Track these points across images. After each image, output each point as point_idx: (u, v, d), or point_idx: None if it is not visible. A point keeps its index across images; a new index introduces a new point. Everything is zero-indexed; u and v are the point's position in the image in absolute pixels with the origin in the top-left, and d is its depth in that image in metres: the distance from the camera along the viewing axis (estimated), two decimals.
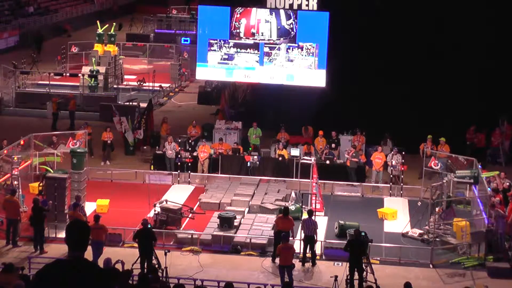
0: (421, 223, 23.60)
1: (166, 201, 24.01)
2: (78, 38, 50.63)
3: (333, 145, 29.30)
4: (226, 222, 22.99)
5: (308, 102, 30.55)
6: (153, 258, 19.68)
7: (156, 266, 19.06)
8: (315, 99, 30.56)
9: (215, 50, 30.55)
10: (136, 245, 20.52)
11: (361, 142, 29.66)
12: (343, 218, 23.82)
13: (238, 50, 30.43)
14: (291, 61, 30.20)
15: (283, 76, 30.41)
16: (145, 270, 19.17)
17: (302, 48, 30.01)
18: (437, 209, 24.03)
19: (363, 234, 20.67)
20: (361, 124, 29.86)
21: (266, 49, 30.27)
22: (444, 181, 24.61)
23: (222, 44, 30.45)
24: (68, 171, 24.58)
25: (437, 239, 22.45)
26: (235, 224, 23.23)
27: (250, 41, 30.31)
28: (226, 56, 30.54)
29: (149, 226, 20.61)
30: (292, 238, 21.13)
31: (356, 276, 19.46)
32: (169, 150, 28.38)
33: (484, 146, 30.66)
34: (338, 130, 29.96)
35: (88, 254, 18.91)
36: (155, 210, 23.33)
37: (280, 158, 28.24)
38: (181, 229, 23.27)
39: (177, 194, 25.90)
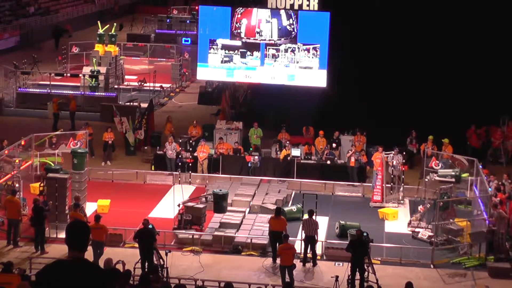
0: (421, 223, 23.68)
1: (189, 200, 24.07)
2: (79, 38, 50.63)
3: (333, 145, 29.30)
4: (220, 199, 23.22)
5: (309, 102, 30.54)
6: (158, 258, 19.64)
7: (163, 264, 19.06)
8: (316, 99, 30.55)
9: (216, 53, 30.53)
10: (137, 245, 20.52)
11: (362, 142, 29.66)
12: (344, 218, 23.83)
13: (239, 53, 30.41)
14: (292, 61, 30.19)
15: (284, 76, 30.41)
16: (146, 270, 19.15)
17: (303, 49, 30.00)
18: (419, 207, 24.17)
19: (365, 234, 20.69)
20: (362, 124, 29.85)
21: (267, 50, 30.26)
22: (426, 180, 24.77)
23: (223, 48, 30.47)
24: (69, 171, 24.59)
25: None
26: (228, 203, 23.78)
27: (251, 41, 30.30)
28: (227, 58, 30.54)
29: (150, 226, 20.60)
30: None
31: (357, 276, 19.46)
32: (169, 151, 28.39)
33: (479, 147, 30.52)
34: (339, 131, 29.95)
35: (89, 254, 18.93)
36: (179, 210, 23.24)
37: (289, 158, 28.19)
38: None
39: (177, 195, 25.86)
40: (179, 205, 23.30)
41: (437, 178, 25.12)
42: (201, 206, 23.65)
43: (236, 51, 30.38)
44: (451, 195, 24.08)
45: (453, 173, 25.18)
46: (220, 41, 30.41)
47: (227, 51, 30.45)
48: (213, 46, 30.50)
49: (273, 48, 30.22)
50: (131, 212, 24.62)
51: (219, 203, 23.37)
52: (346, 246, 20.66)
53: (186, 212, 23.18)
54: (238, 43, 30.33)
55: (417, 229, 23.57)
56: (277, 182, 27.57)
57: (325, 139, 29.69)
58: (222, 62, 30.52)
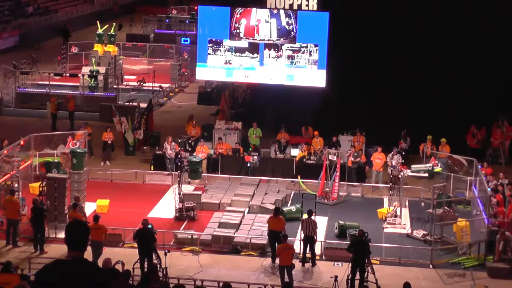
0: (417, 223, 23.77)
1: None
2: (78, 38, 50.61)
3: (333, 148, 29.23)
4: (196, 165, 24.93)
5: (308, 103, 30.54)
6: (155, 258, 19.67)
7: (159, 263, 19.08)
8: (315, 99, 30.55)
9: (222, 55, 30.48)
10: (136, 245, 20.52)
11: (361, 143, 29.65)
12: (343, 218, 23.83)
13: (238, 54, 30.40)
14: (291, 61, 30.20)
15: (283, 76, 30.41)
16: (145, 270, 19.14)
17: (302, 49, 30.00)
18: (395, 203, 24.27)
19: (366, 234, 20.67)
20: (361, 124, 29.86)
21: (266, 50, 30.26)
22: (400, 176, 25.20)
23: (223, 48, 30.45)
24: (68, 171, 24.58)
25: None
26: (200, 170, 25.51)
27: (250, 41, 30.30)
28: (227, 59, 30.53)
29: (149, 226, 20.60)
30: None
31: (357, 276, 19.45)
32: (168, 150, 28.37)
33: (475, 146, 30.53)
34: (338, 131, 29.94)
35: (88, 254, 18.92)
36: (179, 199, 24.13)
37: (305, 160, 28.18)
38: (181, 229, 23.32)
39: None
40: (179, 194, 24.10)
41: (410, 174, 25.39)
42: (199, 192, 25.28)
43: (243, 52, 30.35)
44: (446, 194, 24.20)
45: (426, 168, 25.47)
46: (227, 43, 30.37)
47: (233, 53, 30.43)
48: (219, 48, 30.48)
49: (272, 48, 30.23)
50: (130, 212, 24.62)
51: (195, 169, 24.95)
52: (346, 246, 20.68)
53: (186, 200, 24.18)
54: (244, 44, 30.30)
55: (390, 226, 23.85)
56: (292, 184, 27.51)
57: (322, 139, 29.67)
58: (226, 63, 30.51)
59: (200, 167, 25.42)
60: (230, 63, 30.62)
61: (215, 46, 30.57)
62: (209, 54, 30.67)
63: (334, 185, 26.14)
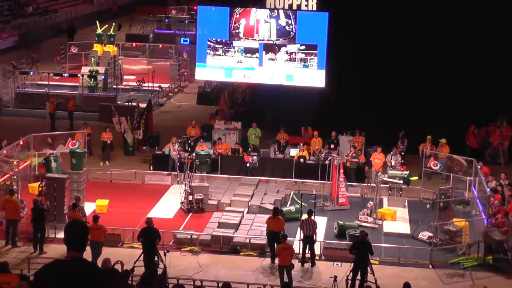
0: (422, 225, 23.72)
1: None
2: (78, 38, 50.62)
3: (332, 146, 29.27)
4: (204, 157, 26.44)
5: (308, 103, 30.54)
6: (156, 257, 19.63)
7: (160, 263, 19.08)
8: (314, 99, 30.55)
9: (233, 56, 30.45)
10: (135, 245, 20.48)
11: (361, 143, 29.63)
12: (343, 218, 23.82)
13: (249, 55, 30.38)
14: (291, 61, 30.19)
15: (282, 77, 30.40)
16: (147, 270, 19.12)
17: (301, 49, 30.00)
18: (370, 203, 24.26)
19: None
20: (360, 124, 29.85)
21: (266, 50, 30.24)
22: (375, 180, 25.36)
23: (232, 49, 30.43)
24: (67, 171, 24.57)
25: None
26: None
27: (249, 42, 30.30)
28: (226, 59, 30.51)
29: (152, 225, 20.57)
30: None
31: (357, 276, 19.42)
32: (173, 151, 28.32)
33: (476, 147, 30.55)
34: (337, 131, 29.94)
35: (87, 254, 18.91)
36: (189, 192, 24.80)
37: (302, 160, 28.17)
38: (181, 228, 23.32)
39: (177, 195, 25.90)
40: (190, 187, 24.71)
41: (385, 179, 25.46)
42: (207, 184, 25.87)
43: (254, 53, 30.33)
44: (450, 196, 24.12)
45: (401, 175, 25.66)
46: (237, 44, 30.31)
47: (245, 54, 30.39)
48: (230, 49, 30.42)
49: (271, 48, 30.21)
50: (129, 212, 24.62)
51: (205, 161, 26.38)
52: (345, 246, 20.66)
53: (196, 192, 24.70)
54: (255, 44, 30.23)
55: (362, 222, 23.84)
56: (293, 184, 27.50)
57: (321, 139, 29.66)
58: (238, 62, 30.48)
59: (209, 159, 26.84)
60: (230, 63, 30.57)
61: (225, 47, 30.47)
62: (219, 55, 30.57)
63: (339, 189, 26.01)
